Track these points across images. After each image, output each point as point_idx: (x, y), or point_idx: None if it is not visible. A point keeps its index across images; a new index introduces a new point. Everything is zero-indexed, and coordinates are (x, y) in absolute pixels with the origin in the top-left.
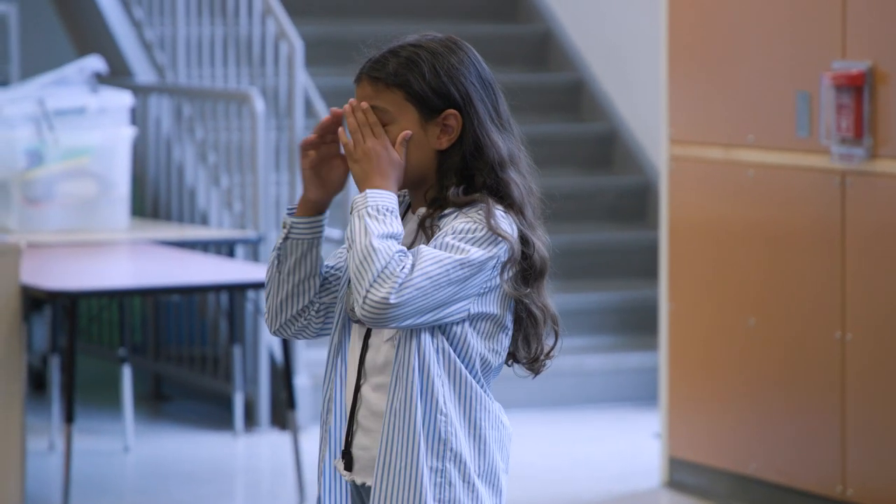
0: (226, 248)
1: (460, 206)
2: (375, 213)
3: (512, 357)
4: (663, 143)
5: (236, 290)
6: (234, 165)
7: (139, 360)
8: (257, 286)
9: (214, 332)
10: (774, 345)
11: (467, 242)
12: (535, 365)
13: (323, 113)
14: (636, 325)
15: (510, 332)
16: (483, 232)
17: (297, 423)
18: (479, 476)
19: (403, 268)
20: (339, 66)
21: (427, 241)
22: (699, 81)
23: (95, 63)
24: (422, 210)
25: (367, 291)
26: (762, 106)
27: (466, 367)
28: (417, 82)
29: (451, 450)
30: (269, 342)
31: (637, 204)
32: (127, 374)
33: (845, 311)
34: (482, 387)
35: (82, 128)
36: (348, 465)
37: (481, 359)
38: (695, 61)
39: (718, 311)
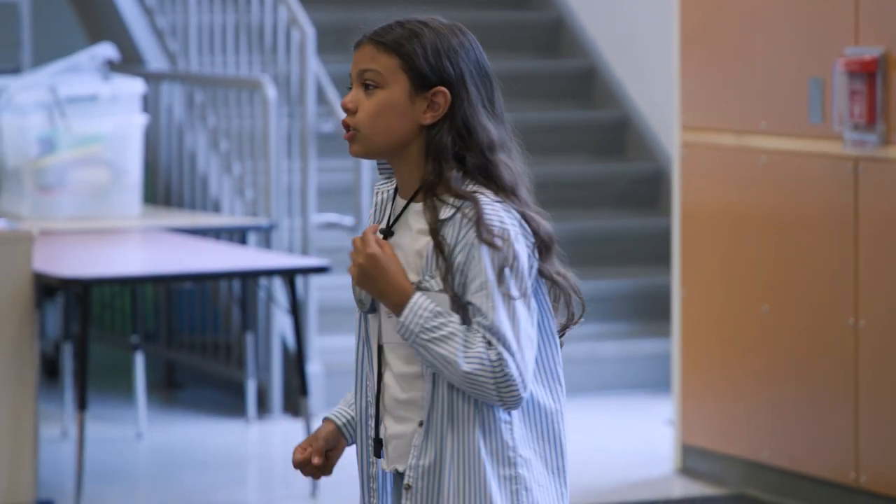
0: (238, 236)
1: (455, 195)
2: (434, 329)
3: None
4: (676, 130)
5: (249, 278)
6: (246, 153)
7: (152, 347)
8: (269, 273)
9: (227, 319)
10: (787, 331)
11: (506, 281)
12: (563, 334)
13: (335, 100)
14: (649, 312)
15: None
16: (502, 259)
17: (310, 409)
18: (547, 469)
19: (507, 365)
20: (350, 54)
21: (432, 224)
22: (711, 68)
23: (107, 50)
24: (419, 206)
25: (503, 403)
26: (775, 92)
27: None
28: (415, 53)
29: (521, 455)
30: (282, 329)
31: (649, 191)
32: (139, 361)
33: (858, 297)
34: (549, 372)
35: (94, 115)
36: (377, 452)
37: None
38: (707, 48)
39: (731, 297)
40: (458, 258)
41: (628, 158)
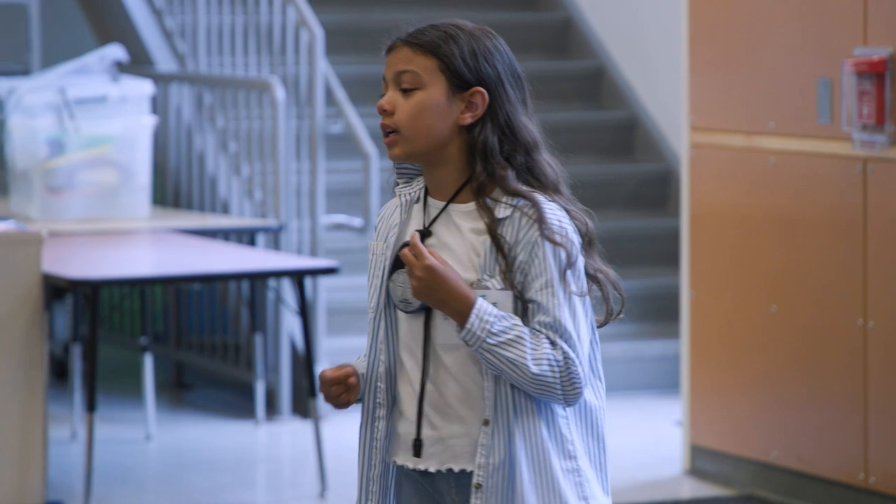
0: (247, 237)
1: (512, 193)
2: (500, 334)
3: None
4: (684, 131)
5: (257, 279)
6: (254, 154)
7: (160, 348)
8: (278, 274)
9: (236, 320)
10: (796, 332)
11: (568, 280)
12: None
13: (343, 101)
14: (657, 312)
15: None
16: (566, 257)
17: (319, 411)
18: (591, 465)
19: (572, 363)
20: (359, 55)
21: (490, 223)
22: (720, 68)
23: (116, 52)
24: (467, 206)
25: (565, 401)
26: (783, 93)
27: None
28: (453, 55)
29: (579, 449)
30: (291, 330)
31: (658, 191)
32: (148, 362)
33: (867, 298)
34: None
35: (103, 116)
36: (417, 451)
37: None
38: (716, 48)
39: (740, 298)
40: (520, 257)
41: (637, 159)
